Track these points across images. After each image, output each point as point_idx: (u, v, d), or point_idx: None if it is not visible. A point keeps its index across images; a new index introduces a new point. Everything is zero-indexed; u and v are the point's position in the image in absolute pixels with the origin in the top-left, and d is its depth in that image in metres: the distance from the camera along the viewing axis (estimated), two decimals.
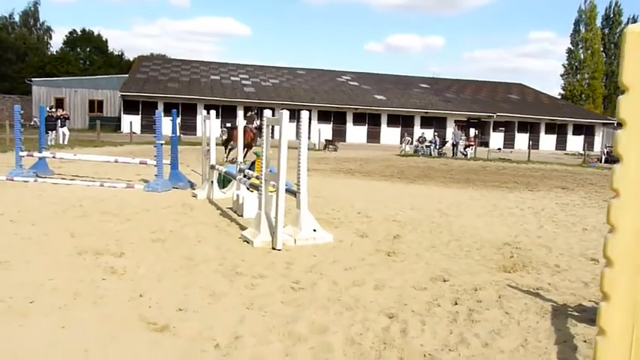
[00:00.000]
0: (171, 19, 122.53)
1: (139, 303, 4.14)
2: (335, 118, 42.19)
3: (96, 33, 66.65)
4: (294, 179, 6.84)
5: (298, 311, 4.10)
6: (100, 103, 45.00)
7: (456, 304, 4.48)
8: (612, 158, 28.61)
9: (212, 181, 9.65)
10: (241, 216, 7.93)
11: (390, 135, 42.47)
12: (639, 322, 0.73)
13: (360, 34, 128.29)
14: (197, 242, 6.26)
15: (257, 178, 7.37)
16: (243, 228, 6.96)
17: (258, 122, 19.55)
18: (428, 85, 51.55)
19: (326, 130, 38.59)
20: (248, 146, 18.36)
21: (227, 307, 4.12)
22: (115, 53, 69.93)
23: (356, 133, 42.56)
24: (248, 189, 8.43)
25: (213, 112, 9.79)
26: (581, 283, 5.32)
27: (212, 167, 9.63)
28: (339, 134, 40.49)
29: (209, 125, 9.88)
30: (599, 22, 59.41)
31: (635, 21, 60.79)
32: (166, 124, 12.24)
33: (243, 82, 45.03)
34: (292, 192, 6.74)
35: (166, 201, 9.16)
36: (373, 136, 42.75)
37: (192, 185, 10.97)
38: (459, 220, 8.52)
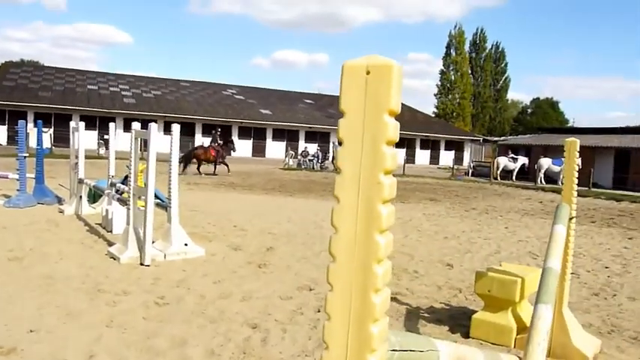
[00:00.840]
0: (47, 23, 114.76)
1: None
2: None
3: None
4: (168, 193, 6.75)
5: (160, 326, 4.06)
6: None
7: (319, 311, 4.68)
8: (477, 172, 31.11)
9: (80, 196, 9.19)
10: (111, 232, 7.64)
11: (275, 149, 42.79)
12: (354, 306, 0.89)
13: (246, 48, 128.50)
14: (59, 260, 5.95)
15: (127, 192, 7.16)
16: (111, 244, 6.71)
17: (221, 141, 22.44)
18: (312, 100, 52.74)
19: None
20: (213, 162, 21.31)
21: (84, 326, 3.98)
22: None
23: (241, 146, 42.32)
24: (120, 204, 8.14)
25: (82, 123, 9.34)
26: (436, 287, 5.78)
27: (80, 181, 9.17)
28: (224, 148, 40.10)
29: (77, 137, 9.41)
30: (467, 47, 64.44)
31: (497, 47, 66.78)
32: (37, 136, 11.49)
33: (123, 92, 43.16)
34: (163, 206, 6.64)
35: (29, 217, 8.57)
36: (258, 150, 42.83)
37: (59, 200, 10.35)
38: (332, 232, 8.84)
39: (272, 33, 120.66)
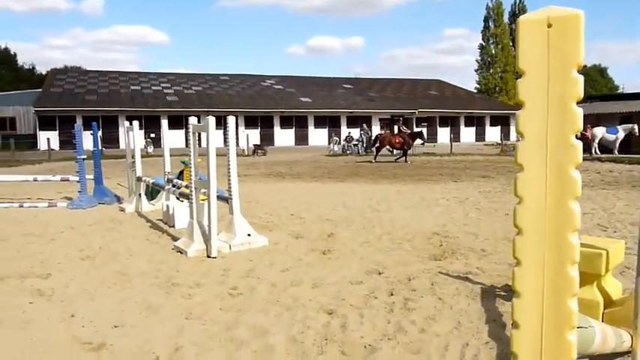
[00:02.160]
0: (85, 29, 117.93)
1: (71, 323, 3.98)
2: (262, 122, 42.06)
3: (2, 46, 63.02)
4: (224, 186, 6.81)
5: (238, 316, 4.09)
6: (12, 120, 42.51)
7: (392, 294, 4.62)
8: None
9: (140, 194, 9.39)
10: (173, 227, 7.78)
11: (317, 136, 42.84)
12: (548, 281, 0.81)
13: (280, 38, 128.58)
14: (129, 256, 6.09)
15: (186, 186, 7.25)
16: (175, 239, 6.83)
17: (404, 128, 24.18)
18: (351, 85, 52.39)
19: (254, 135, 38.41)
20: (398, 149, 22.44)
21: (165, 319, 4.05)
22: (26, 67, 66.44)
23: (284, 136, 42.61)
24: (178, 199, 8.29)
25: (135, 123, 9.52)
26: (507, 264, 5.62)
27: (139, 179, 9.37)
28: (267, 138, 40.39)
29: (132, 137, 9.61)
30: (506, 18, 62.46)
31: None
32: (87, 138, 11.85)
33: (165, 90, 43.96)
34: (224, 198, 6.69)
35: (93, 217, 8.82)
36: (301, 139, 42.95)
37: (119, 199, 10.62)
38: (389, 214, 8.75)
39: (304, 20, 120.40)
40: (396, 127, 25.25)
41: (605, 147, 25.57)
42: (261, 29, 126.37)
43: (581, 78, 0.78)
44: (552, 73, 0.76)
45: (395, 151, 23.50)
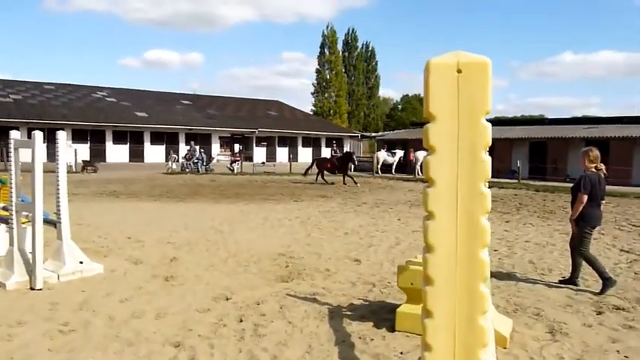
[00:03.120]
0: None
1: None
2: (92, 136, 39.11)
3: None
4: (51, 208, 6.13)
5: (71, 357, 3.66)
6: None
7: (241, 320, 4.50)
8: (360, 167, 32.13)
9: None
10: None
11: (154, 153, 40.99)
12: (459, 333, 0.80)
13: (114, 48, 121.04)
14: None
15: (5, 209, 6.40)
16: None
17: (335, 152, 25.05)
18: (190, 101, 51.20)
19: (83, 150, 35.52)
20: (332, 172, 22.51)
21: None
22: None
23: (117, 152, 40.04)
24: None
25: None
26: (349, 283, 5.83)
27: None
28: (98, 154, 37.63)
29: None
30: (340, 46, 66.31)
31: (367, 47, 69.48)
32: None
33: None
34: (51, 222, 6.02)
35: None
36: (136, 155, 40.74)
37: None
38: (234, 236, 8.61)
39: (141, 32, 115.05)
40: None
41: None
42: (92, 38, 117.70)
43: (489, 126, 0.79)
44: (462, 120, 0.75)
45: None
